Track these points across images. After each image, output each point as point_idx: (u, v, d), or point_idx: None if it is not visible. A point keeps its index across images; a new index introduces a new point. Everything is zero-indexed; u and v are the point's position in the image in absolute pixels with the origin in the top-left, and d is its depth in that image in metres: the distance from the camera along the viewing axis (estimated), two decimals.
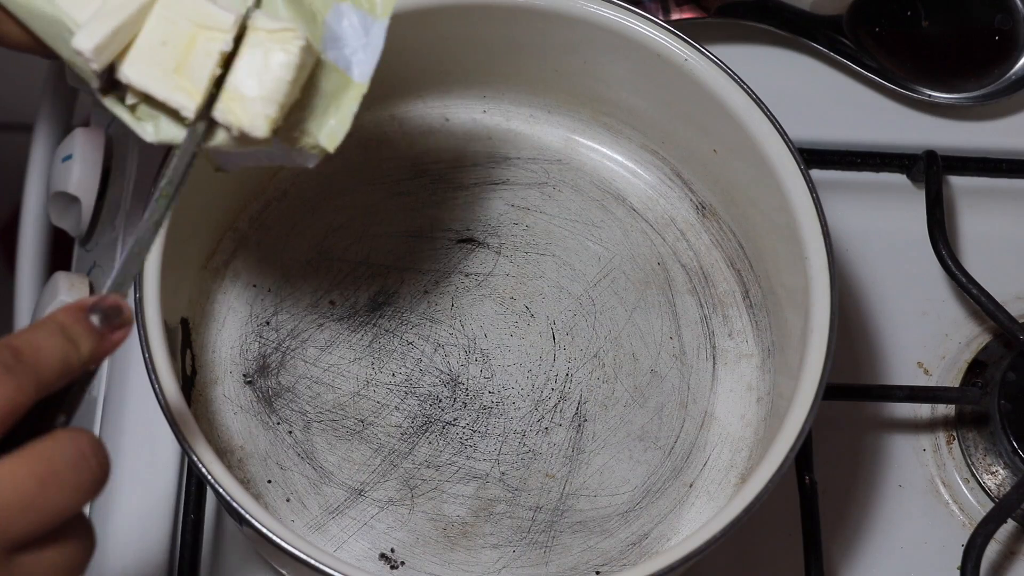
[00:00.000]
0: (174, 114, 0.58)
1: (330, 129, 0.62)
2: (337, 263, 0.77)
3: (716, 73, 0.73)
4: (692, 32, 0.74)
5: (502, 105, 0.81)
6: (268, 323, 0.75)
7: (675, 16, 0.87)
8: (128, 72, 0.58)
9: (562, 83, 0.79)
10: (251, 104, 0.58)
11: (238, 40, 0.58)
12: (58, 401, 0.52)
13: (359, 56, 0.62)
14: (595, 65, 0.77)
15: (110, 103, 0.60)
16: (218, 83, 0.58)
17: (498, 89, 0.81)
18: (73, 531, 0.51)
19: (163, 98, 0.57)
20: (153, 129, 0.59)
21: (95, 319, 0.53)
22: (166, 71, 0.57)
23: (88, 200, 0.84)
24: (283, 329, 0.75)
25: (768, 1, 0.89)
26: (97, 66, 0.57)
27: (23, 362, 0.50)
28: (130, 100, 0.59)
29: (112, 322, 0.54)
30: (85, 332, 0.53)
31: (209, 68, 0.57)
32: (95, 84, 0.59)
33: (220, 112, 0.58)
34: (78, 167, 0.84)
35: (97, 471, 0.51)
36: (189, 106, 0.57)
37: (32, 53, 0.61)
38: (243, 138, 0.59)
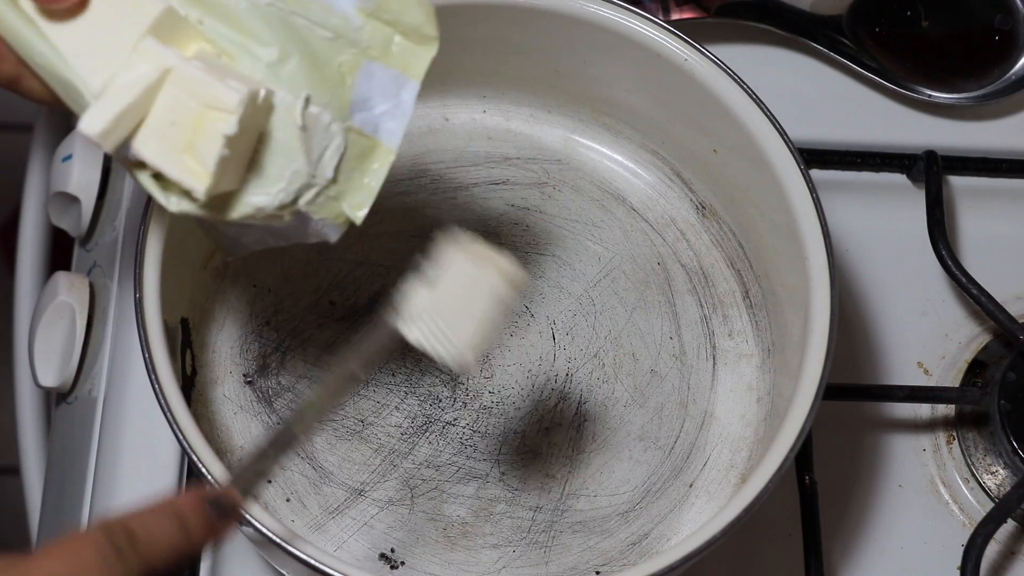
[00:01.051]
0: (187, 192, 0.57)
1: (357, 199, 0.61)
2: (337, 263, 0.77)
3: (716, 73, 0.73)
4: (692, 32, 0.74)
5: (502, 105, 0.81)
6: (268, 323, 0.75)
7: (675, 16, 0.87)
8: (140, 149, 0.57)
9: (562, 83, 0.79)
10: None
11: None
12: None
13: (388, 118, 0.61)
14: (595, 65, 0.77)
15: (132, 170, 0.59)
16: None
17: (498, 89, 0.81)
18: None
19: (175, 178, 0.56)
20: (176, 200, 0.58)
21: (211, 510, 0.53)
22: (176, 150, 0.56)
23: (88, 200, 0.84)
24: (283, 329, 0.75)
25: (768, 1, 0.89)
26: (107, 148, 0.56)
27: (137, 549, 0.50)
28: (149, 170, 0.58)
29: (226, 518, 0.54)
30: (202, 524, 0.53)
31: (216, 150, 0.55)
32: (110, 152, 0.58)
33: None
34: (78, 167, 0.84)
35: None
36: (199, 188, 0.56)
37: (55, 108, 0.61)
38: (271, 215, 0.58)
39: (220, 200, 0.58)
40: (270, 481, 0.71)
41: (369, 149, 0.60)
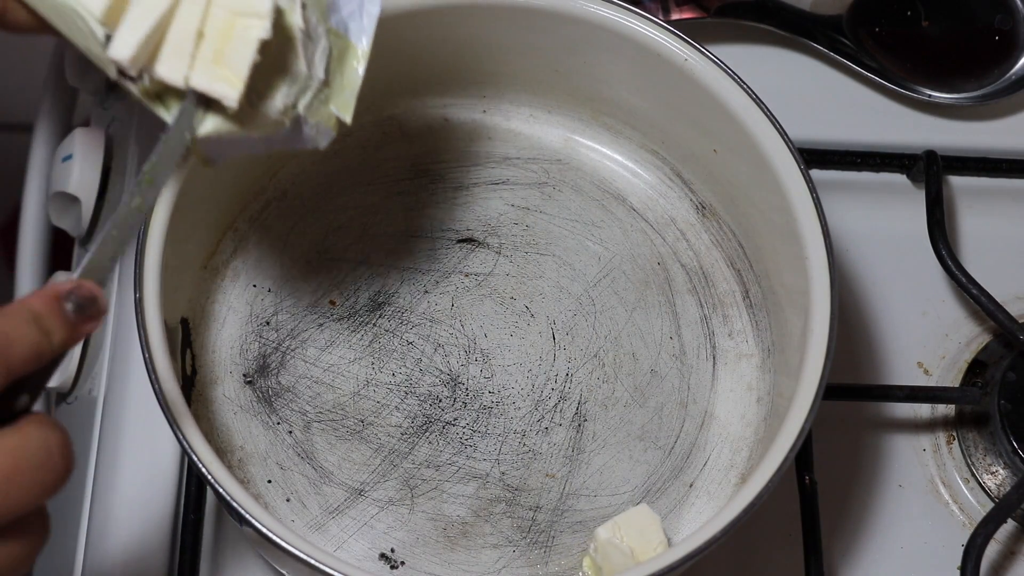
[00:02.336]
0: (206, 103, 0.57)
1: (343, 100, 0.61)
2: (337, 263, 0.77)
3: (716, 73, 0.73)
4: (692, 32, 0.74)
5: (502, 105, 0.81)
6: (268, 323, 0.75)
7: (675, 16, 0.87)
8: (163, 70, 0.56)
9: (562, 83, 0.79)
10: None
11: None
12: (23, 383, 0.51)
13: (354, 18, 0.61)
14: (595, 65, 0.77)
15: (136, 91, 0.58)
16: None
17: (498, 89, 0.81)
18: (28, 525, 0.50)
19: (204, 89, 0.56)
20: (209, 120, 0.58)
21: (69, 307, 0.51)
22: (205, 62, 0.56)
23: (88, 200, 0.84)
24: (283, 329, 0.75)
25: (768, 1, 0.89)
26: (134, 71, 0.56)
27: None
28: (146, 86, 0.57)
29: (86, 312, 0.52)
30: (58, 322, 0.51)
31: (249, 56, 0.56)
32: (112, 74, 0.57)
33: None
34: (78, 167, 0.84)
35: (61, 470, 0.50)
36: (232, 95, 0.56)
37: (36, 33, 0.60)
38: (242, 117, 0.58)
39: (242, 112, 0.58)
40: (270, 481, 0.71)
41: (344, 50, 0.61)
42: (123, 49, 0.56)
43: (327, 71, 0.61)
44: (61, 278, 0.82)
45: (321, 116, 0.61)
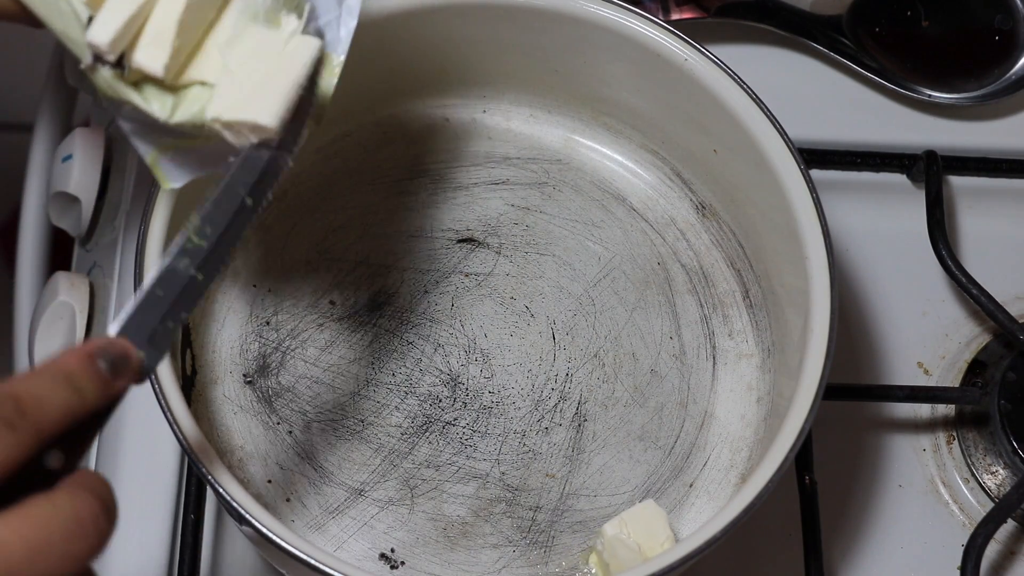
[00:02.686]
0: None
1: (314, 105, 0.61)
2: (337, 263, 0.77)
3: (716, 73, 0.73)
4: (692, 32, 0.74)
5: (502, 105, 0.81)
6: (268, 323, 0.75)
7: (675, 16, 0.87)
8: (141, 58, 0.56)
9: (562, 83, 0.79)
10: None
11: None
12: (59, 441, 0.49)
13: (331, 27, 0.61)
14: (595, 65, 0.77)
15: (106, 80, 0.58)
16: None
17: (498, 89, 0.81)
18: None
19: (192, 76, 0.56)
20: (160, 107, 0.58)
21: (103, 365, 0.50)
22: (184, 50, 0.56)
23: (88, 200, 0.84)
24: (283, 329, 0.75)
25: (768, 1, 0.89)
26: (112, 56, 0.56)
27: (25, 417, 0.47)
28: (123, 73, 0.57)
29: (120, 370, 0.51)
30: (92, 381, 0.49)
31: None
32: (87, 59, 0.57)
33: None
34: (78, 167, 0.84)
35: (95, 540, 0.48)
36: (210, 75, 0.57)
37: (17, 23, 0.59)
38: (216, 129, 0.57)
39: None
40: (270, 481, 0.71)
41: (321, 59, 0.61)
42: (102, 34, 0.55)
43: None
44: (61, 279, 0.82)
45: None
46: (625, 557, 0.67)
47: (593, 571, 0.70)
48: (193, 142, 0.60)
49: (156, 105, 0.58)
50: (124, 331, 0.52)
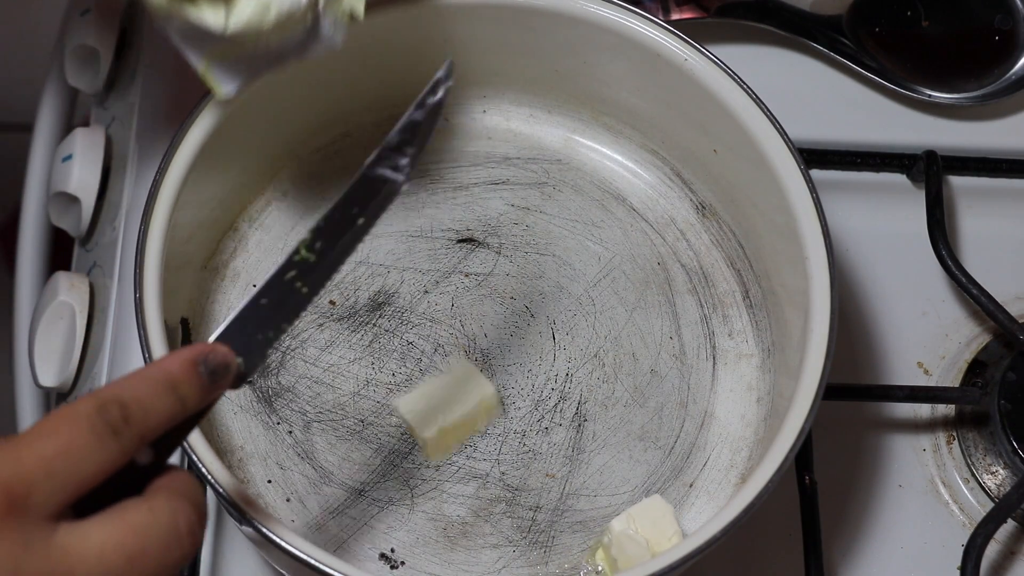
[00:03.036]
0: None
1: None
2: None
3: (716, 73, 0.73)
4: (692, 32, 0.74)
5: (502, 105, 0.81)
6: None
7: (675, 16, 0.87)
8: None
9: (562, 83, 0.79)
10: None
11: None
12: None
13: None
14: (595, 65, 0.77)
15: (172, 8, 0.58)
16: None
17: (498, 89, 0.81)
18: None
19: None
20: (214, 18, 0.59)
21: (203, 372, 0.51)
22: None
23: (88, 200, 0.84)
24: None
25: (768, 1, 0.89)
26: None
27: (130, 424, 0.48)
28: None
29: (219, 379, 0.52)
30: (194, 389, 0.50)
31: None
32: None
33: None
34: (78, 167, 0.84)
35: (189, 548, 0.48)
36: None
37: None
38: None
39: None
40: (270, 481, 0.71)
41: None
42: None
43: None
44: (61, 279, 0.82)
45: (336, 10, 0.62)
46: (633, 552, 0.67)
47: (600, 567, 0.70)
48: (243, 47, 0.60)
49: (210, 16, 0.59)
50: (226, 337, 0.54)
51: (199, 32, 0.60)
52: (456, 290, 0.77)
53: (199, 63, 0.63)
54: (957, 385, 0.82)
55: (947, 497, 0.80)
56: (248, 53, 0.62)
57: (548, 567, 0.70)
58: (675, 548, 0.62)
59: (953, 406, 0.82)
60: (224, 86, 0.64)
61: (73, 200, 0.84)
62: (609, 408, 0.74)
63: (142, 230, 0.67)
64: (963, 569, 0.74)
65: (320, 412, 0.73)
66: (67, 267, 0.89)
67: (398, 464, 0.72)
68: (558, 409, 0.74)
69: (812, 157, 0.85)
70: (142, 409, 0.48)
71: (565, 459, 0.73)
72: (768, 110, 0.72)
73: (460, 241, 0.78)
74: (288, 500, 0.71)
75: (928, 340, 0.84)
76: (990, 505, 0.79)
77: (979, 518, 0.77)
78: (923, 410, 0.82)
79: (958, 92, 0.88)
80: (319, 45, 0.64)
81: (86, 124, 0.90)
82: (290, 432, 0.72)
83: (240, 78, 0.64)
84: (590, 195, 0.80)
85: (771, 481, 0.63)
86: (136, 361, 0.74)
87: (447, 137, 0.81)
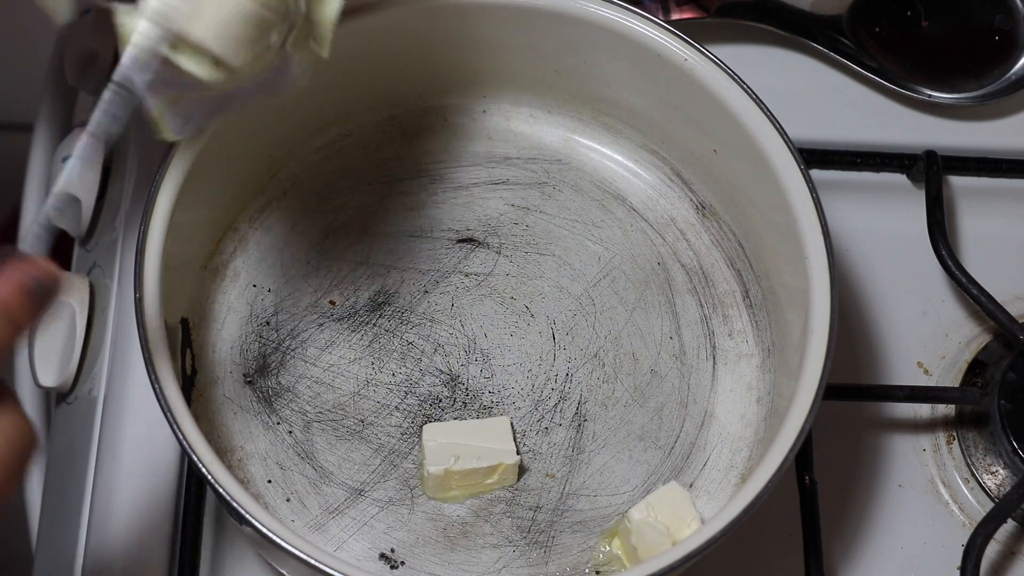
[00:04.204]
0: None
1: (320, 34, 0.62)
2: (337, 263, 0.77)
3: (716, 73, 0.73)
4: (692, 32, 0.74)
5: (502, 105, 0.81)
6: (268, 323, 0.75)
7: (675, 16, 0.87)
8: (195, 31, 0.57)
9: (562, 83, 0.79)
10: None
11: None
12: None
13: None
14: (595, 65, 0.77)
15: (147, 35, 0.58)
16: None
17: (498, 89, 0.81)
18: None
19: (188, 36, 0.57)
20: (196, 66, 0.59)
21: (36, 292, 0.51)
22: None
23: (88, 200, 0.84)
24: (283, 329, 0.75)
25: (768, 1, 0.89)
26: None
27: None
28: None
29: (49, 296, 0.52)
30: (27, 313, 0.51)
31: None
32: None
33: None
34: (78, 167, 0.84)
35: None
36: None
37: None
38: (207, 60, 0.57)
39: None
40: (270, 481, 0.71)
41: None
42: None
43: (307, 3, 0.61)
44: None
45: (302, 51, 0.62)
46: (653, 540, 0.67)
47: (618, 555, 0.70)
48: (202, 92, 0.60)
49: (204, 69, 0.58)
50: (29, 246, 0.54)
51: (176, 79, 0.59)
52: (456, 290, 0.77)
53: (156, 106, 0.61)
54: (957, 385, 0.82)
55: (947, 497, 0.80)
56: (206, 96, 0.62)
57: (548, 567, 0.70)
58: (675, 548, 0.62)
59: (953, 406, 0.82)
60: (175, 130, 0.63)
61: (73, 200, 0.84)
62: (609, 408, 0.74)
63: (142, 230, 0.67)
64: (963, 569, 0.74)
65: (320, 412, 0.73)
66: (67, 267, 0.89)
67: (398, 464, 0.72)
68: (558, 409, 0.74)
69: (812, 157, 0.85)
70: None
71: (565, 459, 0.73)
72: (768, 110, 0.72)
73: (460, 241, 0.78)
74: (288, 500, 0.71)
75: (928, 340, 0.84)
76: (990, 505, 0.79)
77: (979, 518, 0.77)
78: (923, 410, 0.82)
79: (958, 92, 0.88)
80: (283, 86, 0.63)
81: (86, 124, 0.90)
82: (290, 432, 0.72)
83: (193, 122, 0.63)
84: (590, 195, 0.80)
85: (771, 481, 0.63)
86: (136, 361, 0.74)
87: (447, 137, 0.81)
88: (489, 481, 0.70)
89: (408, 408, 0.73)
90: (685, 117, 0.76)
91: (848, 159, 0.86)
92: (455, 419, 0.73)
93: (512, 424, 0.72)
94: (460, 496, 0.71)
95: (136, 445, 0.75)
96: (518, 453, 0.71)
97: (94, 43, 0.87)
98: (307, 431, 0.72)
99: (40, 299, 0.52)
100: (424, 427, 0.71)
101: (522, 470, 0.72)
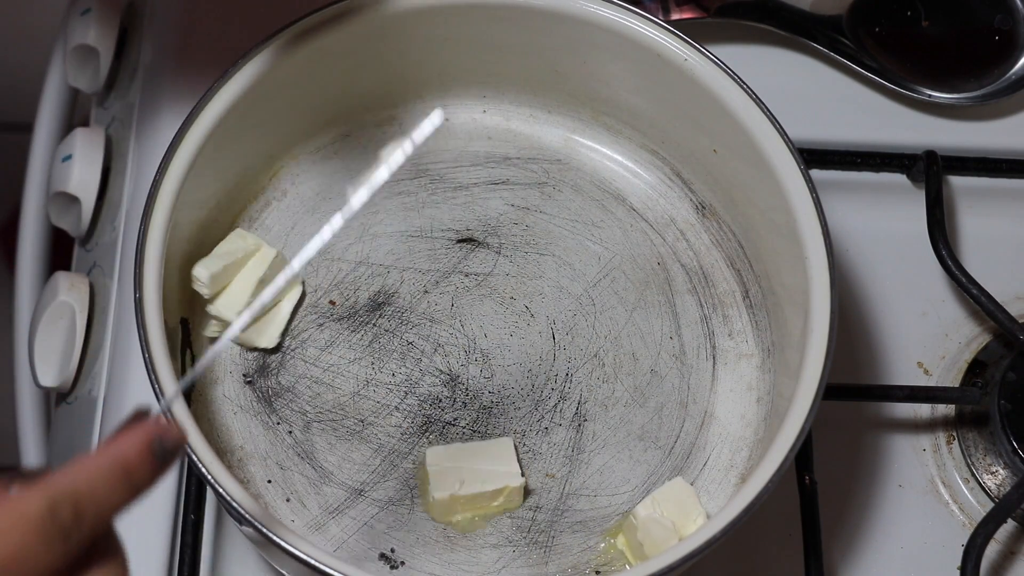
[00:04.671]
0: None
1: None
2: (337, 263, 0.77)
3: (716, 73, 0.73)
4: (692, 32, 0.74)
5: (502, 105, 0.81)
6: None
7: (675, 16, 0.87)
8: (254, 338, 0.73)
9: (562, 83, 0.79)
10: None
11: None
12: None
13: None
14: (595, 65, 0.77)
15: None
16: None
17: (498, 89, 0.81)
18: None
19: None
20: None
21: (157, 455, 0.49)
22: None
23: (88, 200, 0.84)
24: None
25: (768, 1, 0.89)
26: (207, 292, 0.71)
27: (82, 525, 0.46)
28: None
29: (171, 459, 0.49)
30: (148, 475, 0.49)
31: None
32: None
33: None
34: (78, 167, 0.84)
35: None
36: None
37: None
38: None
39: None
40: (270, 481, 0.71)
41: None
42: (203, 270, 0.72)
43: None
44: (61, 279, 0.82)
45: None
46: (660, 536, 0.67)
47: (623, 551, 0.70)
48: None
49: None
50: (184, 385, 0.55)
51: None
52: (456, 290, 0.77)
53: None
54: (957, 385, 0.82)
55: (947, 497, 0.80)
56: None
57: (548, 567, 0.70)
58: (675, 548, 0.62)
59: (953, 406, 0.82)
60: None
61: (73, 200, 0.84)
62: (609, 408, 0.74)
63: (142, 230, 0.67)
64: (963, 569, 0.74)
65: (320, 412, 0.73)
66: (67, 267, 0.89)
67: (398, 464, 0.72)
68: (558, 409, 0.74)
69: (812, 157, 0.85)
70: (95, 504, 0.47)
71: (565, 459, 0.73)
72: (768, 110, 0.72)
73: (460, 241, 0.78)
74: (288, 500, 0.71)
75: (928, 340, 0.84)
76: (990, 505, 0.79)
77: (979, 518, 0.77)
78: (923, 410, 0.82)
79: (958, 92, 0.88)
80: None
81: (86, 124, 0.90)
82: (290, 432, 0.72)
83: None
84: (590, 195, 0.80)
85: (771, 481, 0.63)
86: (136, 361, 0.74)
87: (447, 137, 0.81)
88: (495, 504, 0.70)
89: (408, 408, 0.73)
90: (685, 117, 0.76)
91: (848, 159, 0.86)
92: (455, 419, 0.73)
93: (515, 445, 0.72)
94: (465, 520, 0.71)
95: None
96: (523, 475, 0.71)
97: (94, 43, 0.87)
98: (307, 431, 0.72)
99: (163, 461, 0.49)
100: (427, 451, 0.71)
101: (526, 493, 0.72)
